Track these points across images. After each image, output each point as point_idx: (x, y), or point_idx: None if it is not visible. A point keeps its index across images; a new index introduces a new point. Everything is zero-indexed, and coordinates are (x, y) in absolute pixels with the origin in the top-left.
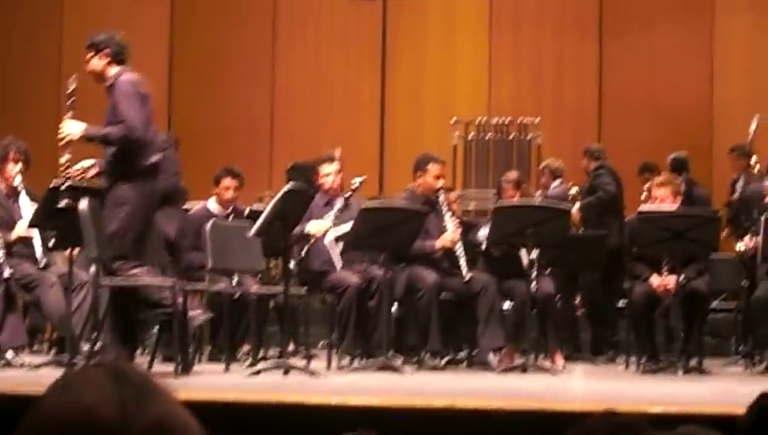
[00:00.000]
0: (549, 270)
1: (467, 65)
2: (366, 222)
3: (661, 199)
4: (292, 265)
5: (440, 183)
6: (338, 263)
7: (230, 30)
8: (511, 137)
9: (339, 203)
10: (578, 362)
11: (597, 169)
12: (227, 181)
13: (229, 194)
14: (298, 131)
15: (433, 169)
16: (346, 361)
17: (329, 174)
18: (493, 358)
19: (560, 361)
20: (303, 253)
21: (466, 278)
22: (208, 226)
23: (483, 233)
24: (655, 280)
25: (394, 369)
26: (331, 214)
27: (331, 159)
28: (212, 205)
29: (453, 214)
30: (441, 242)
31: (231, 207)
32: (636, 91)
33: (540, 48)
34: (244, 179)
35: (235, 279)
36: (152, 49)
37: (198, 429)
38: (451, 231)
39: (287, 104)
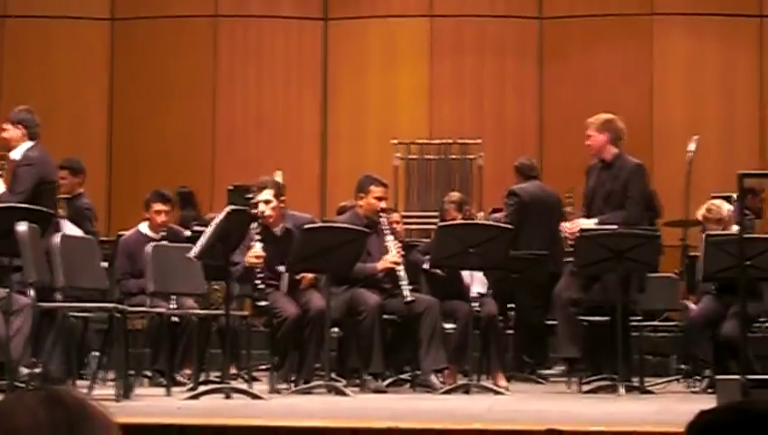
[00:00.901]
0: (491, 291)
1: (409, 87)
2: (308, 243)
3: None
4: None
5: (382, 204)
6: (284, 286)
7: (171, 58)
8: (452, 157)
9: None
10: (522, 382)
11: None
12: (158, 205)
13: (161, 218)
14: (240, 158)
15: (375, 190)
16: (289, 385)
17: (259, 202)
18: (435, 379)
19: (502, 381)
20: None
21: (408, 299)
22: (149, 249)
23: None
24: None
25: (336, 391)
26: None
27: (262, 187)
28: (144, 229)
29: (395, 235)
30: (383, 264)
31: (164, 231)
32: (576, 112)
33: (481, 70)
34: (175, 203)
35: (173, 304)
36: (93, 78)
37: None
38: (393, 253)
39: (229, 130)
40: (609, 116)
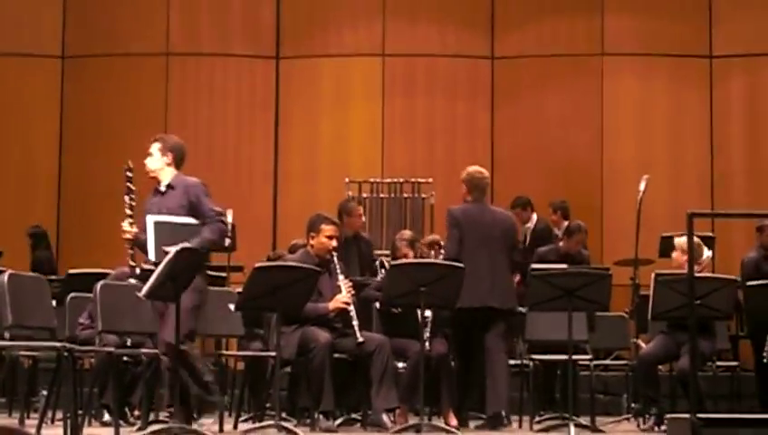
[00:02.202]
0: (442, 330)
1: (361, 127)
2: (259, 282)
3: None
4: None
5: (334, 243)
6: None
7: (122, 96)
8: (405, 196)
9: None
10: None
11: None
12: None
13: None
14: None
15: (326, 229)
16: (240, 424)
17: None
18: (386, 419)
19: (453, 421)
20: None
21: (360, 340)
22: (97, 287)
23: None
24: None
25: (287, 431)
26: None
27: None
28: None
29: (346, 276)
30: (334, 304)
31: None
32: (527, 152)
33: (432, 109)
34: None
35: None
36: (43, 116)
37: None
38: (344, 293)
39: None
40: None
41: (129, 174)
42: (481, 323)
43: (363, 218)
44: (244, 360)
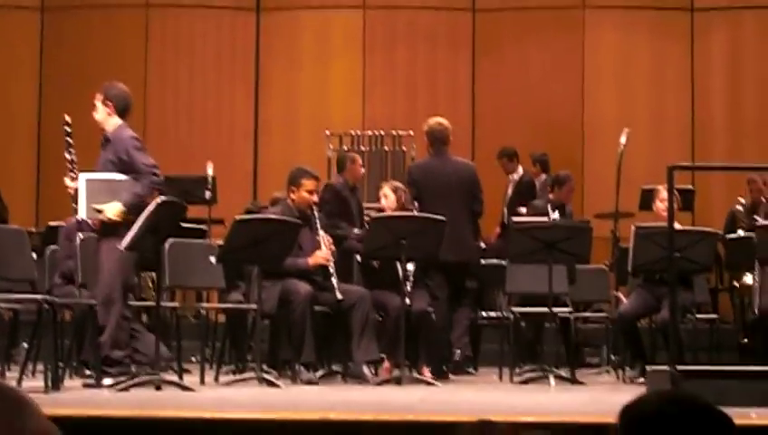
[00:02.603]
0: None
1: (341, 80)
2: (240, 234)
3: None
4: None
5: (314, 197)
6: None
7: (101, 48)
8: (386, 149)
9: None
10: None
11: None
12: None
13: None
14: (171, 149)
15: (307, 183)
16: (222, 376)
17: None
18: (367, 371)
19: (427, 374)
20: None
21: (339, 298)
22: (78, 240)
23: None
24: None
25: (268, 383)
26: None
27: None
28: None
29: (326, 231)
30: (314, 260)
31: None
32: (509, 105)
33: (413, 62)
34: None
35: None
36: (22, 68)
37: None
38: (324, 249)
39: (160, 122)
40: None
41: (67, 129)
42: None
43: (363, 169)
44: (225, 312)
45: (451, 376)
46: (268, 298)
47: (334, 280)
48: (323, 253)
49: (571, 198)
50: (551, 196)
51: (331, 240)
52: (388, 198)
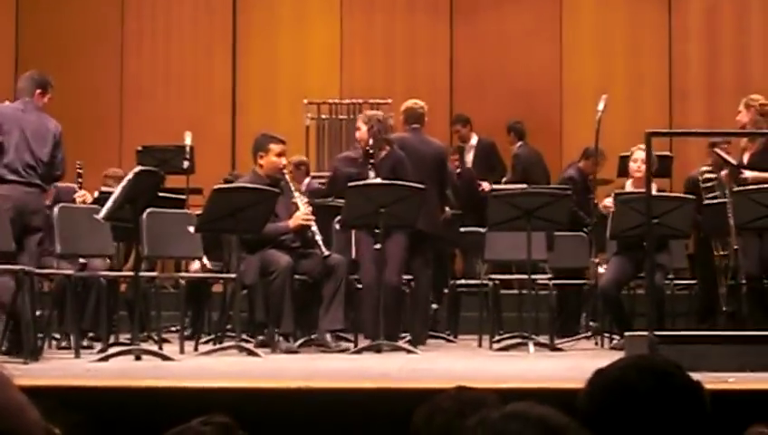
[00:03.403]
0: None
1: (319, 47)
2: (217, 204)
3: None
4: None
5: (283, 161)
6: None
7: (77, 13)
8: None
9: None
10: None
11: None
12: None
13: None
14: (148, 118)
15: (274, 148)
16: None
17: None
18: (330, 339)
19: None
20: None
21: (325, 253)
22: (56, 210)
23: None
24: None
25: (248, 352)
26: None
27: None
28: None
29: (300, 192)
30: (294, 221)
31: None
32: (487, 71)
33: (391, 30)
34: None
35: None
36: None
37: (36, 415)
38: (303, 210)
39: (136, 92)
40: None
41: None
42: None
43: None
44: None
45: (429, 343)
46: (248, 270)
47: (318, 238)
48: (302, 213)
49: (594, 172)
50: (580, 165)
51: (307, 200)
52: (360, 130)
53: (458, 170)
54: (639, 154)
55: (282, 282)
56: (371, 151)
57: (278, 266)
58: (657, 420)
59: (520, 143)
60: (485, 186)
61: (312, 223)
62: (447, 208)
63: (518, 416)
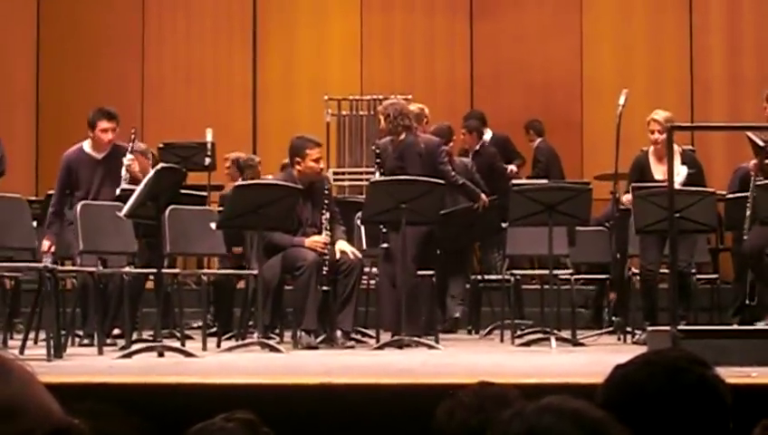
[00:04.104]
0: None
1: (339, 44)
2: (239, 200)
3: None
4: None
5: (321, 165)
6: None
7: (98, 13)
8: None
9: None
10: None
11: None
12: (103, 124)
13: (106, 136)
14: (169, 113)
15: (311, 152)
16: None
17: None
18: (339, 336)
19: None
20: None
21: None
22: (78, 208)
23: None
24: None
25: (270, 348)
26: None
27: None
28: (87, 147)
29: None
30: (312, 243)
31: (108, 149)
32: (507, 66)
33: (411, 25)
34: (119, 120)
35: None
36: (19, 33)
37: (58, 410)
38: (323, 237)
39: (157, 89)
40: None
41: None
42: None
43: None
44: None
45: (447, 337)
46: (270, 267)
47: (325, 269)
48: (322, 240)
49: None
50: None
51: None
52: (381, 124)
53: (477, 147)
54: (655, 115)
55: (308, 278)
56: (378, 151)
57: (306, 262)
58: (671, 416)
59: (540, 139)
60: (512, 167)
61: (326, 254)
62: (483, 196)
63: (552, 409)
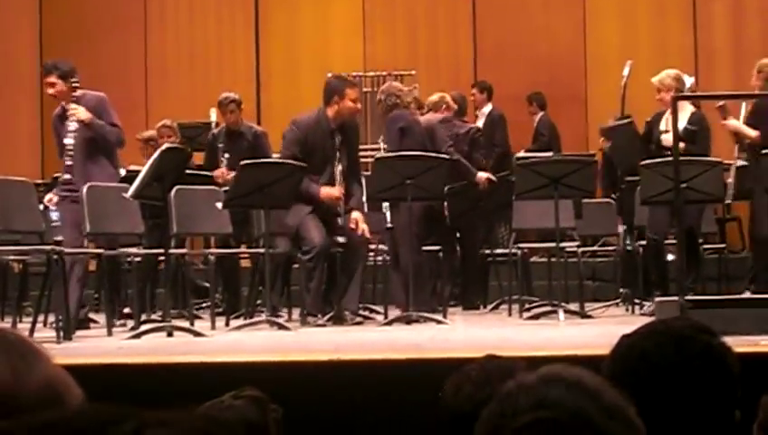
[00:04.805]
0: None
1: (342, 21)
2: (245, 179)
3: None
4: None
5: (359, 105)
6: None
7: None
8: None
9: None
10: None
11: None
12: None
13: (47, 91)
14: (173, 94)
15: (350, 92)
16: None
17: None
18: (347, 314)
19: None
20: None
21: (341, 241)
22: (84, 189)
23: None
24: None
25: (279, 326)
26: None
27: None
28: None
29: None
30: (326, 194)
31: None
32: (510, 40)
33: (413, 1)
34: (64, 72)
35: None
36: (23, 16)
37: (79, 391)
38: (337, 190)
39: (161, 70)
40: None
41: None
42: None
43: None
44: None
45: (459, 312)
46: (279, 247)
47: (340, 220)
48: (338, 191)
49: None
50: None
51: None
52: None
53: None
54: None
55: (315, 262)
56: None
57: (313, 244)
58: (678, 384)
59: (542, 113)
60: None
61: (341, 204)
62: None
63: (556, 379)
